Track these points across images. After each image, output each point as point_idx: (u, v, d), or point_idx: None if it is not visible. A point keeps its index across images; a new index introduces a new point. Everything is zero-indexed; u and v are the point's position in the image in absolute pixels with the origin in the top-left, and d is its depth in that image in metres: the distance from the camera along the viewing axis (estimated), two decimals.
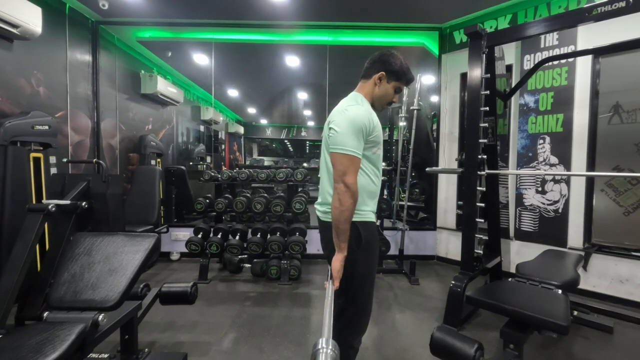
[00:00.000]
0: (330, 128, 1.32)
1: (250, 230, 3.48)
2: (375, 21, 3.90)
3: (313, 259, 3.95)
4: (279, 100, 8.60)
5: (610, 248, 2.89)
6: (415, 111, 3.84)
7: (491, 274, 2.98)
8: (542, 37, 3.10)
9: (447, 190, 4.02)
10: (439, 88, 4.06)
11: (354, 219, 1.30)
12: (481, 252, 2.60)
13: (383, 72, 1.39)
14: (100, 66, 3.89)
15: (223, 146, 8.14)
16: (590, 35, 2.85)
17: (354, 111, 1.30)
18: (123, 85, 4.32)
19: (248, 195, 3.75)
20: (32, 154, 2.67)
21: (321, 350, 0.79)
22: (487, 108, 2.53)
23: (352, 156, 1.25)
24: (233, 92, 7.60)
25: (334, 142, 1.28)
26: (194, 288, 1.89)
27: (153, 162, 4.58)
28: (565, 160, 3.04)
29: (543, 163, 3.16)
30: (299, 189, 3.98)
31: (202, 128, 6.98)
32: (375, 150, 1.37)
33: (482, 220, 2.62)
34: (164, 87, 4.69)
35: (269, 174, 3.64)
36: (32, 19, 2.67)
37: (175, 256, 4.01)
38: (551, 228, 3.12)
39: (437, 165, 4.05)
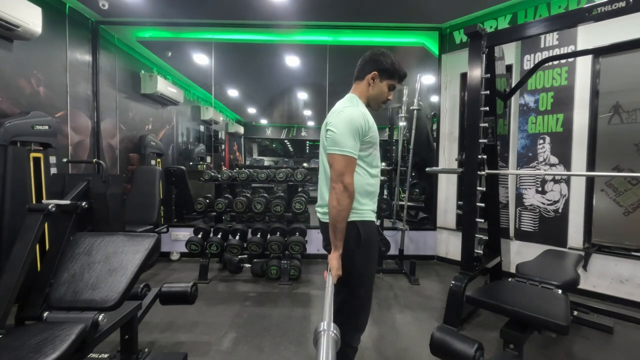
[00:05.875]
0: (327, 130, 1.34)
1: (250, 230, 3.48)
2: (376, 21, 3.90)
3: (313, 259, 3.95)
4: (279, 100, 8.60)
5: (610, 248, 2.89)
6: (415, 111, 3.84)
7: (491, 274, 2.98)
8: (542, 37, 3.10)
9: (447, 190, 4.02)
10: (439, 88, 4.06)
11: (353, 218, 1.32)
12: (481, 252, 2.60)
13: (375, 72, 1.40)
14: (100, 66, 3.89)
15: (223, 146, 8.14)
16: (590, 35, 2.85)
17: (349, 112, 1.32)
18: (123, 85, 4.32)
19: (248, 195, 3.75)
20: (32, 154, 2.67)
21: (323, 333, 0.81)
22: (487, 108, 2.53)
23: (349, 157, 1.27)
24: (233, 92, 7.60)
25: (331, 143, 1.30)
26: (194, 288, 1.89)
27: (153, 162, 4.58)
28: (565, 160, 3.04)
29: (543, 163, 3.16)
30: (299, 189, 3.98)
31: (202, 128, 6.98)
32: (372, 151, 1.39)
33: (482, 220, 2.62)
34: (164, 87, 4.68)
35: (269, 174, 3.64)
36: (32, 19, 2.67)
37: (175, 256, 4.01)
38: (551, 228, 3.12)
39: (437, 165, 4.05)
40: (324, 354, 0.71)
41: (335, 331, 0.82)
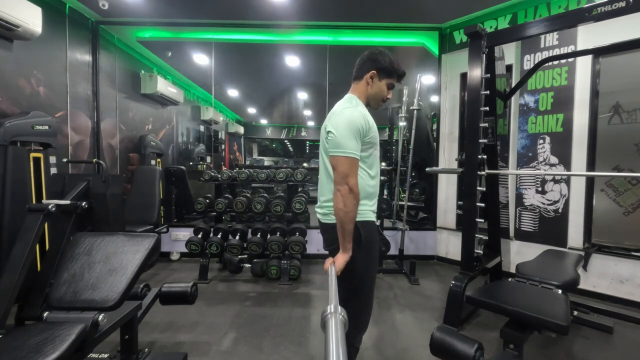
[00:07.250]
0: (328, 132, 1.33)
1: (250, 230, 3.48)
2: (375, 21, 3.90)
3: (313, 259, 3.95)
4: (279, 100, 8.60)
5: (610, 248, 2.89)
6: (415, 111, 3.84)
7: (491, 274, 2.98)
8: (542, 37, 3.10)
9: (447, 190, 4.02)
10: (439, 88, 4.06)
11: None
12: (481, 252, 2.60)
13: (374, 71, 1.40)
14: (100, 66, 3.89)
15: (223, 146, 8.14)
16: (590, 35, 2.85)
17: (349, 113, 1.31)
18: (123, 85, 4.32)
19: (248, 195, 3.75)
20: (32, 154, 2.67)
21: (330, 316, 0.79)
22: (487, 108, 2.53)
23: (352, 158, 1.27)
24: (233, 92, 7.60)
25: (333, 145, 1.29)
26: (194, 288, 1.89)
27: (153, 162, 4.58)
28: (565, 160, 3.04)
29: (543, 163, 3.16)
30: (299, 189, 3.98)
31: (202, 128, 6.98)
32: (372, 152, 1.38)
33: (482, 220, 2.61)
34: (164, 87, 4.68)
35: (269, 174, 3.64)
36: (32, 19, 2.67)
37: (175, 256, 4.01)
38: (551, 228, 3.12)
39: (437, 165, 4.05)
40: (333, 336, 0.69)
41: (342, 313, 0.81)
